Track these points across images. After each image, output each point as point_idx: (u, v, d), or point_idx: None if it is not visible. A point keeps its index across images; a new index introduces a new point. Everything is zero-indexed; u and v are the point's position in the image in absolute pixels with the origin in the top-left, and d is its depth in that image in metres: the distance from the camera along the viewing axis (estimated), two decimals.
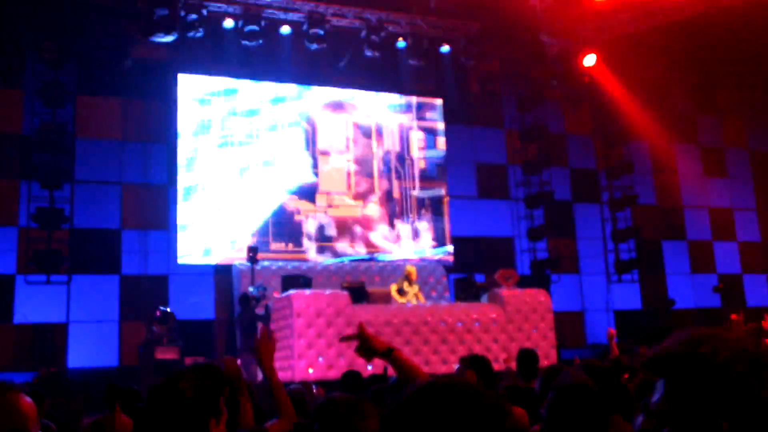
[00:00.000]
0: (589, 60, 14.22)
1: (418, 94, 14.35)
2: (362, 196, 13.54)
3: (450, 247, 13.89)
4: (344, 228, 13.23)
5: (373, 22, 12.93)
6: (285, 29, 12.73)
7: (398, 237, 13.56)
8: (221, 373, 3.08)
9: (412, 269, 10.97)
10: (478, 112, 14.97)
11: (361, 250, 13.24)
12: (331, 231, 13.13)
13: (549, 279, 14.27)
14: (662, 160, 16.62)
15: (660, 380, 1.28)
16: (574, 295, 15.03)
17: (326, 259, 12.87)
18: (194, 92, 12.79)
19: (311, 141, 13.43)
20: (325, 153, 13.47)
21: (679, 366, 1.25)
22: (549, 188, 14.70)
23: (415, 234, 13.73)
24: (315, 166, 13.34)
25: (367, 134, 13.84)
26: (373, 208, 13.57)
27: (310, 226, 12.98)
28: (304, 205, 13.08)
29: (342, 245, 13.12)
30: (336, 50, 13.13)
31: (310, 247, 12.89)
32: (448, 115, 14.56)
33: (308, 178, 13.23)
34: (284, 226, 12.84)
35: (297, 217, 12.97)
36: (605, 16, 13.21)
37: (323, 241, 13.05)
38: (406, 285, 10.76)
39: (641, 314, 15.22)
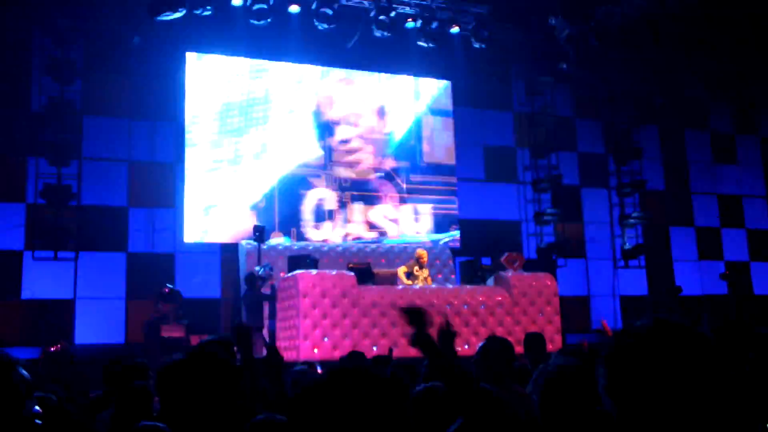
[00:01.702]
0: (598, 43, 14.05)
1: (427, 75, 14.26)
2: (367, 174, 13.51)
3: (456, 232, 13.84)
4: (347, 203, 13.24)
5: (382, 3, 12.82)
6: (294, 8, 12.64)
7: (397, 219, 13.50)
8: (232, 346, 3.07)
9: (423, 253, 10.93)
10: (486, 95, 14.89)
11: (360, 228, 13.22)
12: (332, 205, 13.11)
13: (555, 263, 14.25)
14: (672, 146, 16.53)
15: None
16: (581, 280, 15.01)
17: (332, 239, 12.87)
18: (202, 70, 12.74)
19: (320, 116, 13.40)
20: (333, 127, 13.42)
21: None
22: (557, 172, 14.63)
23: (416, 216, 13.68)
24: (323, 139, 13.30)
25: (376, 112, 13.79)
26: (378, 185, 13.54)
27: (310, 201, 12.97)
28: (311, 178, 13.07)
29: (343, 221, 13.13)
30: (345, 30, 13.03)
31: (309, 221, 12.89)
32: (457, 98, 14.48)
33: (316, 154, 13.20)
34: (290, 204, 12.84)
35: (302, 192, 12.95)
36: None
37: (325, 216, 13.06)
38: (416, 269, 10.74)
39: (647, 300, 15.20)
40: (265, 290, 10.41)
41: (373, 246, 13.01)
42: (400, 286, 10.27)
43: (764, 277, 16.65)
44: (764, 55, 14.83)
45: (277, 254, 11.71)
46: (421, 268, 10.74)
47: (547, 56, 14.56)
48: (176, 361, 1.99)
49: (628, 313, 14.88)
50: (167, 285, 11.13)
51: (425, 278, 10.71)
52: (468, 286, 10.84)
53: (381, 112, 13.86)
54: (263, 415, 2.30)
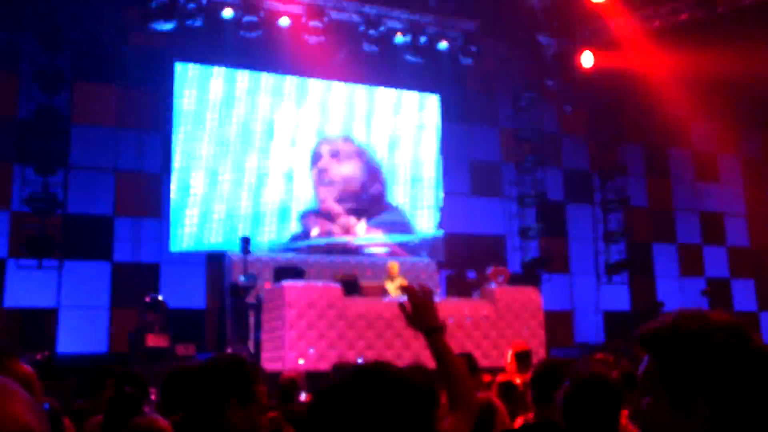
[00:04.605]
0: (587, 60, 14.24)
1: (415, 89, 14.37)
2: (349, 190, 13.59)
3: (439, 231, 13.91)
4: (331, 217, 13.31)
5: (372, 17, 12.94)
6: (284, 21, 12.73)
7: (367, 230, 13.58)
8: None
9: (393, 265, 10.94)
10: (473, 110, 15.01)
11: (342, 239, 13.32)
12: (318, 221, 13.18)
13: (539, 278, 14.34)
14: (655, 163, 16.73)
15: (646, 355, 1.35)
16: (564, 295, 15.11)
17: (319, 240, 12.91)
18: (191, 81, 12.76)
19: (304, 131, 13.46)
20: (316, 145, 13.49)
21: (665, 341, 1.33)
22: (542, 188, 14.76)
23: (392, 227, 13.77)
24: (309, 159, 13.38)
25: (360, 125, 13.88)
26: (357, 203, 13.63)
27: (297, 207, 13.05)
28: (297, 191, 13.12)
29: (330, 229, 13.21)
30: (334, 44, 13.12)
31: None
32: (444, 112, 14.60)
33: (301, 170, 13.26)
34: (278, 215, 12.88)
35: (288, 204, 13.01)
36: (603, 18, 13.26)
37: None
38: (388, 282, 10.75)
39: (630, 316, 15.31)
40: (251, 300, 10.41)
41: (359, 258, 13.05)
42: (386, 299, 10.30)
43: (744, 293, 16.84)
44: (747, 74, 15.05)
45: (263, 265, 11.71)
46: (392, 280, 10.73)
47: (534, 73, 14.72)
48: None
49: (610, 328, 14.99)
50: (151, 295, 11.08)
51: (398, 287, 10.65)
52: (454, 299, 10.90)
53: (366, 127, 13.96)
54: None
